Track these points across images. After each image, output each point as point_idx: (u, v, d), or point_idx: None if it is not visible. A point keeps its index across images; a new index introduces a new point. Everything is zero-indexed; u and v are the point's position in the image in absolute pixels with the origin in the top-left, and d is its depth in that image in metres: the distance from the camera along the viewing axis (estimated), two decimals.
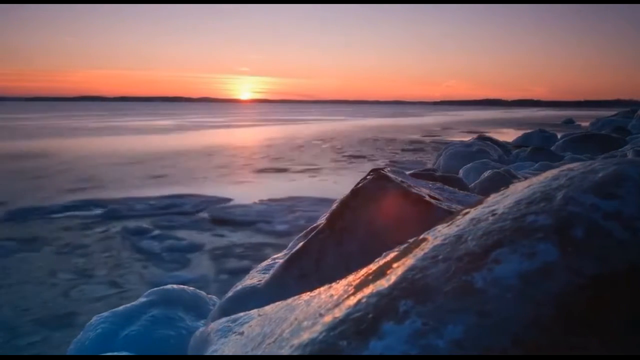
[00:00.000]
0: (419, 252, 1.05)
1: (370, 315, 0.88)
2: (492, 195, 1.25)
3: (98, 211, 9.64)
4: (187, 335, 3.12)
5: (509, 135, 25.68)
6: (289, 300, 1.66)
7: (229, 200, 10.38)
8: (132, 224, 8.69)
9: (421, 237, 1.21)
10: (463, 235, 1.02)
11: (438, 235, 1.10)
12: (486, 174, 7.44)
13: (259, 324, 1.52)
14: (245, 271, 6.11)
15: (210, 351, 1.62)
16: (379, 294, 0.94)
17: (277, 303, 1.71)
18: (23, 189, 11.97)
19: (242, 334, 1.56)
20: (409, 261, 1.03)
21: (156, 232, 8.07)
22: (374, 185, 2.27)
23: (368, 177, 2.37)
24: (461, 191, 2.84)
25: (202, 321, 3.26)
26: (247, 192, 11.35)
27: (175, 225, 8.49)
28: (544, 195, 1.04)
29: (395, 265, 1.06)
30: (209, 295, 3.63)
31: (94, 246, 7.49)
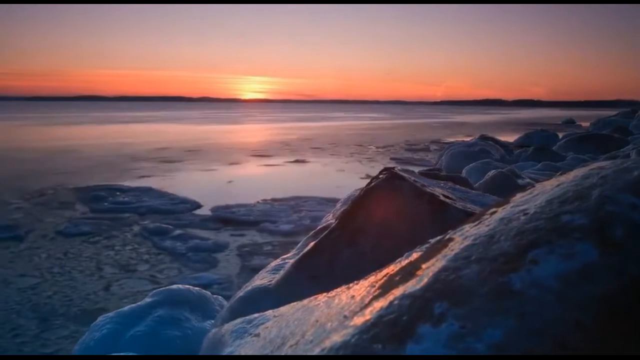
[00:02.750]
0: (448, 253, 1.03)
1: (405, 318, 0.86)
2: (519, 195, 1.23)
3: (105, 205, 9.70)
4: (193, 336, 3.09)
5: (510, 135, 25.66)
6: (305, 302, 1.63)
7: (232, 199, 10.37)
8: (136, 222, 8.68)
9: (447, 237, 1.18)
10: (495, 235, 1.00)
11: (467, 235, 1.08)
12: (490, 173, 7.42)
13: (276, 326, 1.49)
14: (252, 271, 6.09)
15: (225, 352, 1.59)
16: (411, 296, 0.91)
17: (292, 304, 1.68)
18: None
19: (258, 335, 1.53)
20: (439, 262, 1.00)
21: (159, 230, 8.03)
22: (387, 184, 2.25)
23: (380, 176, 2.34)
24: (473, 190, 2.82)
25: (209, 321, 3.22)
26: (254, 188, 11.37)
27: (182, 224, 8.46)
28: (577, 194, 1.02)
29: (424, 266, 1.04)
30: (215, 295, 3.60)
31: (100, 243, 7.47)
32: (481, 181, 7.35)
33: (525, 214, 1.03)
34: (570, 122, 49.39)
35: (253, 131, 38.94)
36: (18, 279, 6.12)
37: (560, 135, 19.84)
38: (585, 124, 39.26)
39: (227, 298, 3.68)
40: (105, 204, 9.99)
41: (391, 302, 0.92)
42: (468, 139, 19.76)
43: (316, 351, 0.92)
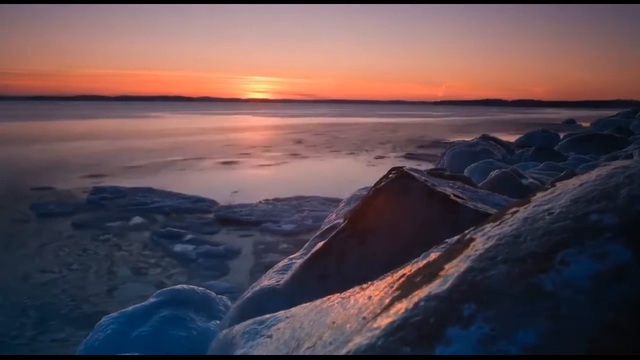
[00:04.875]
0: (472, 253, 1.00)
1: (432, 320, 0.84)
2: (539, 194, 1.21)
3: (110, 205, 9.68)
4: (198, 336, 3.07)
5: (511, 135, 25.61)
6: (317, 302, 1.61)
7: (234, 198, 10.35)
8: (138, 223, 8.66)
9: (467, 237, 1.16)
10: (520, 235, 0.97)
11: (489, 235, 1.06)
12: (493, 173, 7.40)
13: (289, 327, 1.47)
14: (256, 271, 6.05)
15: (237, 354, 1.56)
16: (437, 297, 0.89)
17: (304, 305, 1.66)
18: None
19: (270, 336, 1.51)
20: (462, 262, 0.98)
21: (164, 233, 7.94)
22: (397, 184, 2.22)
23: (390, 175, 2.32)
24: (481, 190, 2.79)
25: (213, 322, 3.20)
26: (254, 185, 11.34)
27: (193, 225, 8.41)
28: (603, 193, 1.00)
29: (446, 266, 1.02)
30: (219, 296, 3.58)
31: (92, 242, 7.44)
32: (484, 181, 7.31)
33: (550, 214, 1.01)
34: (570, 122, 49.35)
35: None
36: (28, 279, 6.09)
37: (561, 135, 19.84)
38: (586, 124, 39.20)
39: (230, 296, 3.66)
40: (110, 204, 9.95)
41: (416, 304, 0.90)
42: (469, 139, 19.74)
43: (341, 352, 0.89)
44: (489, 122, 55.54)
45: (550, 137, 19.72)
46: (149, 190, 11.04)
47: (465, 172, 10.11)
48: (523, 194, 5.66)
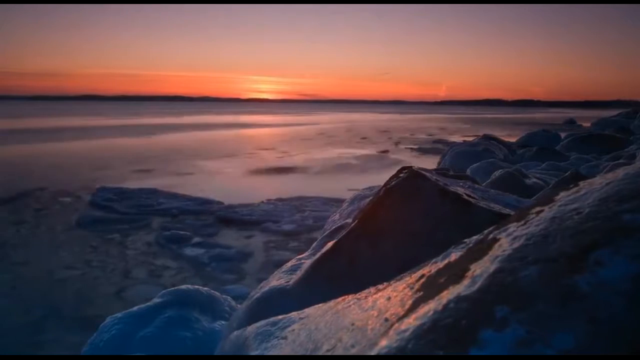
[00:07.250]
0: (499, 253, 0.98)
1: (464, 322, 0.81)
2: (562, 194, 1.18)
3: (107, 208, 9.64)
4: (203, 337, 3.04)
5: (511, 135, 25.56)
6: (332, 304, 1.59)
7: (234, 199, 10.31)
8: (141, 223, 8.64)
9: (490, 237, 1.14)
10: (549, 235, 0.95)
11: (515, 235, 1.03)
12: (497, 173, 7.38)
13: (304, 329, 1.44)
14: (256, 272, 6.03)
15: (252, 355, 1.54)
16: (467, 299, 0.86)
17: (317, 306, 1.64)
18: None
19: (285, 338, 1.48)
20: (490, 263, 0.96)
21: (172, 236, 7.86)
22: (409, 183, 2.20)
23: (401, 175, 2.29)
24: (492, 190, 2.77)
25: (218, 322, 3.18)
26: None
27: (203, 225, 8.36)
28: (633, 192, 0.97)
29: (472, 267, 0.99)
30: (223, 296, 3.56)
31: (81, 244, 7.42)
32: (488, 181, 7.29)
33: (578, 213, 0.99)
34: (571, 123, 49.27)
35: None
36: (34, 279, 6.07)
37: (562, 135, 19.82)
38: (586, 124, 39.13)
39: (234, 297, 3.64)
40: (116, 205, 9.91)
41: (445, 306, 0.87)
42: (470, 138, 19.72)
43: (369, 354, 0.87)
44: (489, 122, 55.49)
45: (552, 137, 19.70)
46: (153, 192, 11.01)
47: (468, 172, 10.08)
48: (527, 193, 5.66)
